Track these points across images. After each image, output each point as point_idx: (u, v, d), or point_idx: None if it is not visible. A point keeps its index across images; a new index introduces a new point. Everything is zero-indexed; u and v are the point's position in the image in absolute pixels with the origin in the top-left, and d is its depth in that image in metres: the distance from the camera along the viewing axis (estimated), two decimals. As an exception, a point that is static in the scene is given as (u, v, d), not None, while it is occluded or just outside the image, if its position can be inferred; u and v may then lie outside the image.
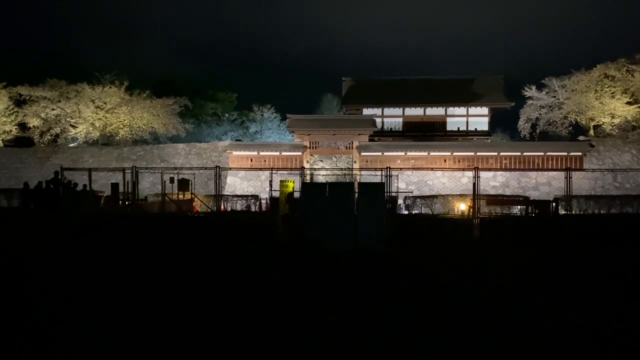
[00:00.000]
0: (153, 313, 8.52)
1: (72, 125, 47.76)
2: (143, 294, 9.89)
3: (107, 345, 6.88)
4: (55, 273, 12.18)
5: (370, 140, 41.83)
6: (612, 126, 41.94)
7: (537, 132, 46.31)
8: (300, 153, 40.27)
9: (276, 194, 22.19)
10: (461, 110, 47.59)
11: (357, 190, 17.17)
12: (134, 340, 7.08)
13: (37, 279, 11.55)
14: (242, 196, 32.02)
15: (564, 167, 28.41)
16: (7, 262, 13.54)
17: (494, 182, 37.47)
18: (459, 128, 47.68)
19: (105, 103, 47.36)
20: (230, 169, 37.51)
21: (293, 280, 11.28)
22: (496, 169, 37.48)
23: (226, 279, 11.42)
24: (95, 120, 47.16)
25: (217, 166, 21.74)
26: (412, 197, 30.75)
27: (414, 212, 29.32)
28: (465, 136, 47.06)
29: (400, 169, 32.16)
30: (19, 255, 14.52)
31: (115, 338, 7.18)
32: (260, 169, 37.42)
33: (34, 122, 47.04)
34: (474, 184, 19.46)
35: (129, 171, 21.23)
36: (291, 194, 19.94)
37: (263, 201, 30.89)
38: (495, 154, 38.77)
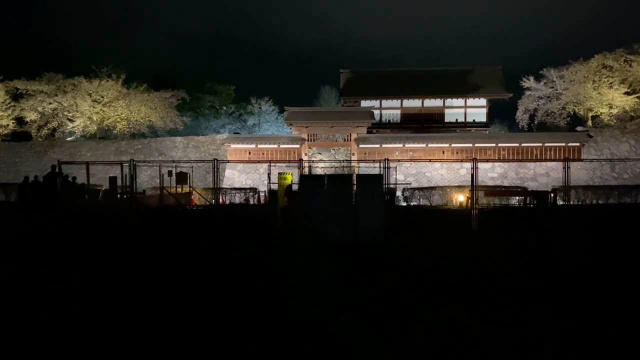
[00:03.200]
0: (151, 310, 8.53)
1: (69, 119, 47.64)
2: (141, 290, 9.91)
3: (107, 339, 6.90)
4: (53, 268, 12.19)
5: (368, 132, 41.80)
6: (610, 116, 41.96)
7: (535, 122, 46.31)
8: (298, 145, 40.23)
9: (274, 187, 22.23)
10: (459, 101, 47.56)
11: (355, 182, 17.17)
12: (132, 342, 7.10)
13: (35, 274, 11.56)
14: (240, 189, 32.07)
15: (562, 158, 28.46)
16: (5, 257, 13.55)
17: (492, 173, 37.51)
18: (457, 119, 47.68)
19: (102, 96, 47.23)
20: (229, 161, 37.46)
21: (293, 272, 11.31)
22: (494, 160, 37.50)
23: (225, 272, 11.44)
24: (93, 114, 47.03)
25: (215, 159, 21.71)
26: (410, 188, 30.83)
27: (412, 203, 29.42)
28: (463, 127, 47.06)
29: (399, 160, 32.19)
30: (17, 250, 14.53)
31: (113, 333, 7.21)
32: (259, 162, 37.41)
33: (31, 116, 46.92)
34: (472, 175, 19.45)
35: (127, 165, 21.18)
36: (290, 186, 19.96)
37: (261, 194, 30.94)
38: (494, 145, 38.78)
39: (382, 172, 19.43)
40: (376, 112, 45.12)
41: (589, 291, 9.44)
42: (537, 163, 37.60)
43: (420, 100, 47.84)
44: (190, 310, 8.23)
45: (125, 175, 22.26)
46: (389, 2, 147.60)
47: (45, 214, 19.18)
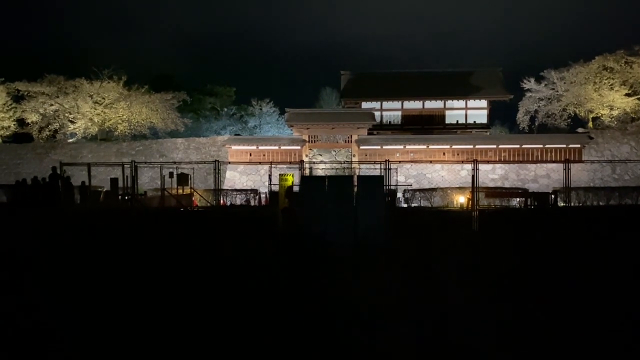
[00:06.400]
0: (151, 313, 8.55)
1: (70, 121, 47.70)
2: (141, 293, 9.92)
3: (108, 340, 6.92)
4: (54, 270, 12.21)
5: (369, 133, 41.81)
6: (611, 118, 41.95)
7: (536, 124, 46.33)
8: (299, 147, 40.25)
9: (275, 188, 22.24)
10: (460, 103, 47.60)
11: (356, 184, 17.18)
12: (131, 344, 7.12)
13: (36, 276, 11.58)
14: (241, 190, 32.07)
15: (562, 159, 28.46)
16: (7, 259, 13.57)
17: (493, 174, 37.50)
18: (457, 121, 47.70)
19: (103, 98, 47.29)
20: (230, 163, 37.47)
21: (293, 274, 11.33)
22: (495, 162, 37.50)
23: (226, 275, 11.46)
24: (94, 116, 47.10)
25: (216, 160, 21.74)
26: (411, 190, 30.82)
27: (413, 205, 29.39)
28: (464, 129, 47.09)
29: (399, 162, 32.18)
30: (19, 252, 14.55)
31: (113, 335, 7.23)
32: (260, 163, 37.41)
33: (32, 117, 46.96)
34: (473, 176, 19.47)
35: (128, 166, 21.22)
36: (290, 187, 19.96)
37: (262, 195, 30.93)
38: (494, 146, 38.78)
39: (382, 174, 19.45)
40: (377, 113, 45.16)
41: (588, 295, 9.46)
42: (538, 164, 37.61)
43: (421, 101, 47.89)
44: (184, 310, 8.25)
45: (127, 176, 22.29)
46: (389, 3, 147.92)
47: (46, 215, 19.19)
